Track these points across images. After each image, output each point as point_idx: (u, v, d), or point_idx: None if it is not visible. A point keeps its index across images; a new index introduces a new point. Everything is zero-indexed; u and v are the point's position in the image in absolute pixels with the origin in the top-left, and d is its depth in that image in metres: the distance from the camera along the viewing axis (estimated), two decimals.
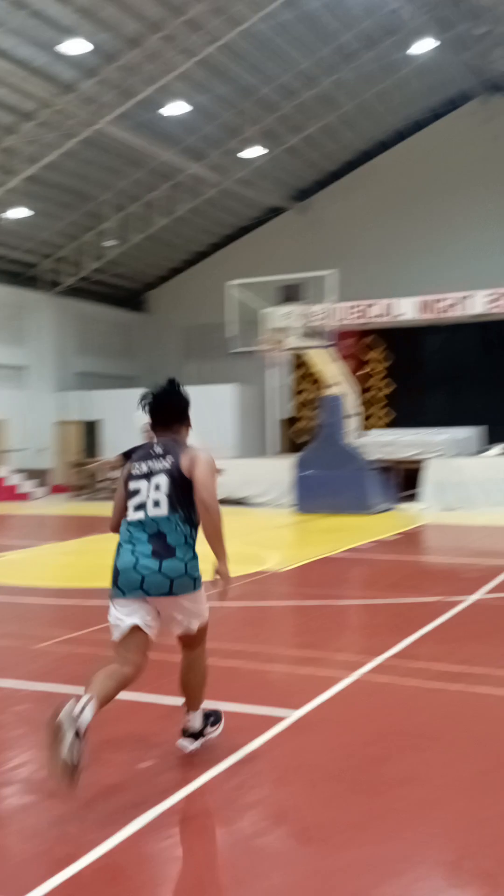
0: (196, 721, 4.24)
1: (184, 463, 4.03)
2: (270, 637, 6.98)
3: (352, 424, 18.85)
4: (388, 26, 21.28)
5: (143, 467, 4.12)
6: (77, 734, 3.47)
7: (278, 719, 4.67)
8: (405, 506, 17.95)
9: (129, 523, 4.07)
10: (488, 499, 17.26)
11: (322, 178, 28.29)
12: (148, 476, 4.07)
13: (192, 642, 4.17)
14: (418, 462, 18.44)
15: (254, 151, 23.95)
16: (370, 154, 27.63)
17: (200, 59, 19.90)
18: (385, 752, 4.28)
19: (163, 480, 4.03)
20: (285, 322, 17.19)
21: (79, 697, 3.61)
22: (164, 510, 4.01)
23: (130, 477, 4.14)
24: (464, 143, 25.66)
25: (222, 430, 24.56)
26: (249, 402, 26.40)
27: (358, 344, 24.61)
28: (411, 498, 18.26)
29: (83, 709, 3.56)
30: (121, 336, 31.09)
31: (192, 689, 4.20)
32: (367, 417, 24.22)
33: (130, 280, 31.26)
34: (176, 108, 20.78)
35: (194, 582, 4.03)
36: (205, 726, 4.26)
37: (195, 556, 4.05)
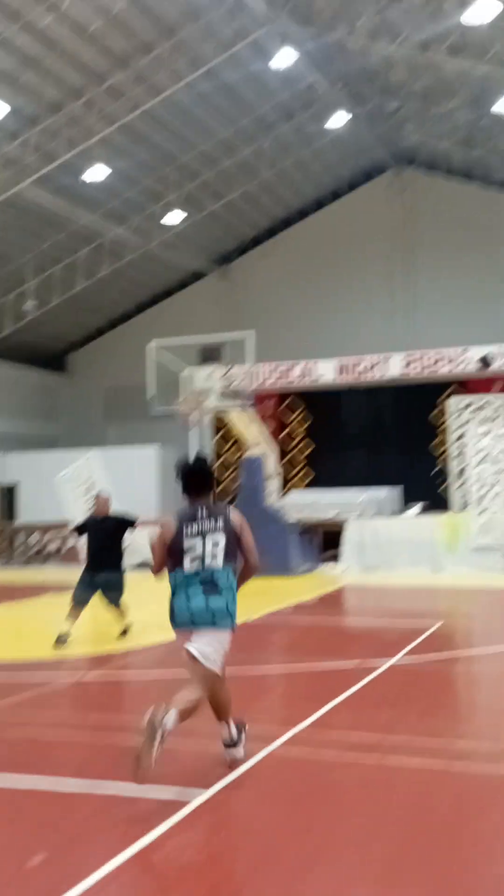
0: (229, 731, 5.08)
1: (235, 522, 5.03)
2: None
3: (272, 486, 18.82)
4: (305, 99, 22.02)
5: (195, 528, 4.96)
6: (161, 737, 4.38)
7: (182, 804, 4.39)
8: (326, 567, 17.89)
9: (186, 574, 4.93)
10: (407, 559, 17.32)
11: (243, 243, 28.77)
12: (203, 535, 4.93)
13: (198, 669, 4.96)
14: (338, 523, 18.47)
15: (176, 216, 24.23)
16: (289, 221, 28.29)
17: (122, 125, 20.16)
18: (296, 836, 4.05)
19: (220, 538, 4.95)
20: (205, 383, 17.19)
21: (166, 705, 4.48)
22: (219, 562, 4.93)
23: (184, 535, 4.94)
24: (378, 212, 26.52)
25: (144, 492, 24.20)
26: (171, 464, 26.12)
27: (278, 405, 24.78)
28: (332, 559, 18.22)
29: (167, 715, 4.44)
30: (42, 397, 30.62)
31: (220, 704, 5.06)
32: (288, 478, 24.28)
33: (52, 341, 30.96)
34: (97, 173, 20.90)
35: (231, 619, 4.99)
36: (239, 734, 5.11)
37: (235, 600, 5.02)
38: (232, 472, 23.00)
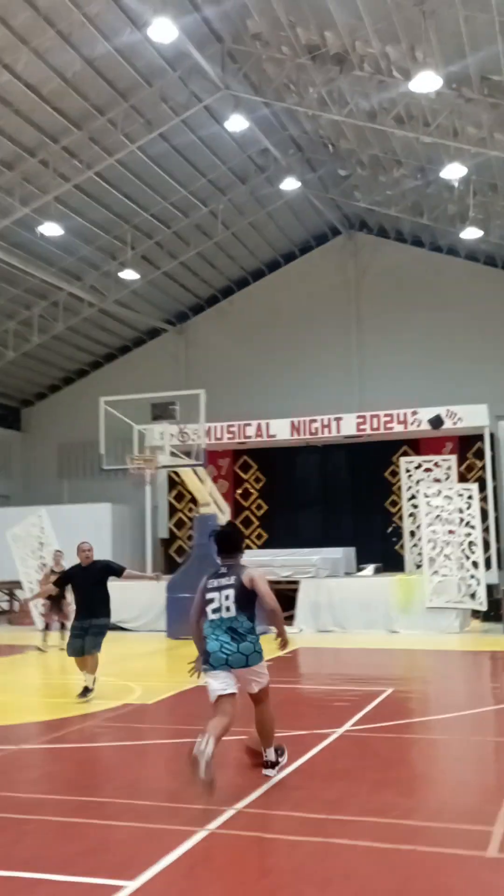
0: (272, 755, 6.20)
1: (245, 580, 6.03)
2: (121, 784, 6.34)
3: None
4: (259, 163, 22.46)
5: (215, 583, 6.08)
6: (207, 762, 5.34)
7: (114, 889, 4.11)
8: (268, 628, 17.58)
9: (210, 621, 6.02)
10: (361, 620, 17.15)
11: (199, 302, 28.99)
12: (219, 589, 6.04)
13: (261, 698, 6.23)
14: (293, 583, 18.25)
15: (131, 274, 24.35)
16: (244, 281, 28.61)
17: (77, 185, 20.32)
18: None
19: (231, 592, 5.99)
20: (157, 440, 17.03)
21: (204, 735, 5.49)
22: (233, 612, 5.99)
23: (207, 590, 6.08)
24: (331, 275, 26.98)
25: (97, 549, 23.73)
26: (126, 522, 25.79)
27: (233, 464, 24.69)
28: (286, 620, 17.93)
29: (206, 744, 5.43)
30: None
31: (265, 732, 6.21)
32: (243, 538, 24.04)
33: (6, 397, 30.65)
34: (52, 230, 20.95)
35: (260, 655, 6.09)
36: (277, 757, 6.24)
37: (258, 639, 6.07)
38: (189, 530, 22.70)
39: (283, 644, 6.20)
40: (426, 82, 14.14)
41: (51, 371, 30.19)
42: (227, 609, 5.98)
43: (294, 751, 6.91)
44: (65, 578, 10.45)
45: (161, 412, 15.26)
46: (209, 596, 6.06)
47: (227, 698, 5.88)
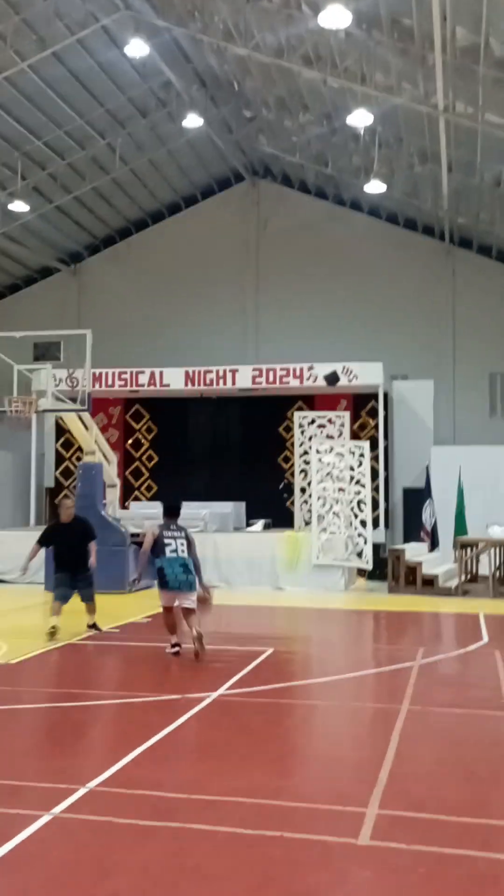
0: (198, 633, 9.14)
1: (190, 536, 9.53)
2: None
3: (112, 495, 17.85)
4: (161, 97, 21.31)
5: (169, 534, 9.33)
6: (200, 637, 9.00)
7: None
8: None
9: (168, 558, 9.24)
10: (248, 577, 16.82)
11: (94, 242, 27.67)
12: (174, 538, 9.31)
13: (191, 612, 9.29)
14: None
15: (21, 206, 22.88)
16: (143, 223, 27.45)
17: None
18: None
19: (183, 542, 9.36)
20: (42, 384, 16.05)
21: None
22: (185, 554, 9.32)
23: (164, 537, 9.29)
24: (232, 222, 26.15)
25: None
26: (9, 470, 24.62)
27: (124, 413, 23.83)
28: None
29: (197, 630, 9.07)
30: None
31: (191, 625, 9.21)
32: (132, 489, 23.35)
33: None
34: None
35: (194, 585, 9.36)
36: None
37: (196, 575, 9.40)
38: (73, 479, 21.80)
39: (206, 592, 10.30)
40: (335, 17, 13.43)
41: None
42: (182, 552, 9.30)
43: (160, 720, 6.42)
44: (50, 535, 11.03)
45: (44, 352, 14.30)
46: (167, 541, 9.26)
47: (173, 611, 9.46)
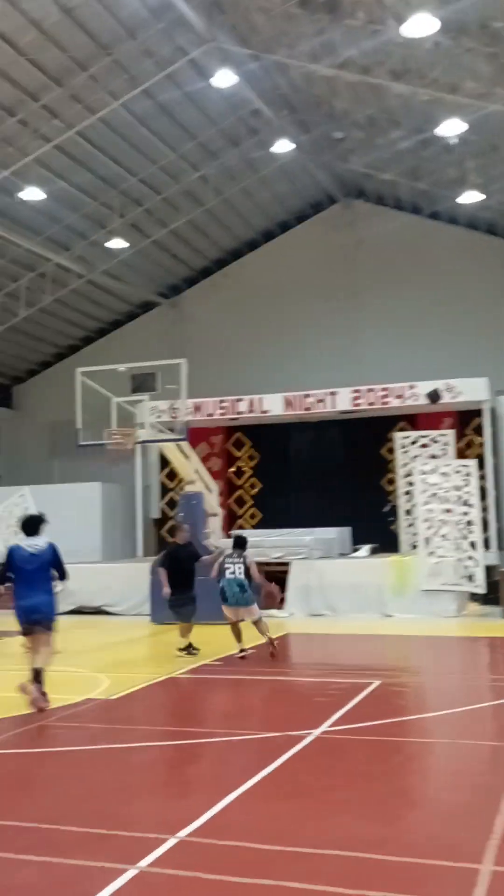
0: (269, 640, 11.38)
1: (247, 561, 11.35)
2: (48, 804, 5.44)
3: (213, 524, 17.77)
4: (250, 126, 21.40)
5: (231, 560, 11.31)
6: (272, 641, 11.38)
7: None
8: (270, 612, 16.82)
9: (227, 579, 11.24)
10: (354, 604, 16.33)
11: (191, 274, 28.00)
12: (234, 562, 11.28)
13: (258, 625, 11.34)
14: (284, 565, 17.43)
15: (120, 243, 23.37)
16: (238, 252, 27.60)
17: (59, 147, 19.33)
18: None
19: (240, 565, 11.29)
20: (145, 415, 16.16)
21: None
22: (241, 575, 11.22)
23: (225, 562, 11.35)
24: (327, 244, 25.93)
25: (87, 528, 22.97)
26: (117, 502, 24.97)
27: (225, 441, 23.82)
28: (278, 603, 17.16)
29: (268, 636, 11.42)
30: None
31: (263, 633, 11.34)
32: (237, 517, 23.25)
33: None
34: (33, 194, 19.97)
35: (251, 600, 11.29)
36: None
37: (252, 592, 11.32)
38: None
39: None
40: (422, 25, 13.08)
41: (41, 347, 29.29)
42: (239, 573, 11.20)
43: (258, 760, 6.12)
44: (170, 556, 12.14)
45: (141, 384, 14.37)
46: (227, 565, 11.29)
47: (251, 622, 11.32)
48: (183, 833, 4.69)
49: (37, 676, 8.21)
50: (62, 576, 8.56)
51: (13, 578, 8.41)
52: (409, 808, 5.47)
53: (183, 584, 11.80)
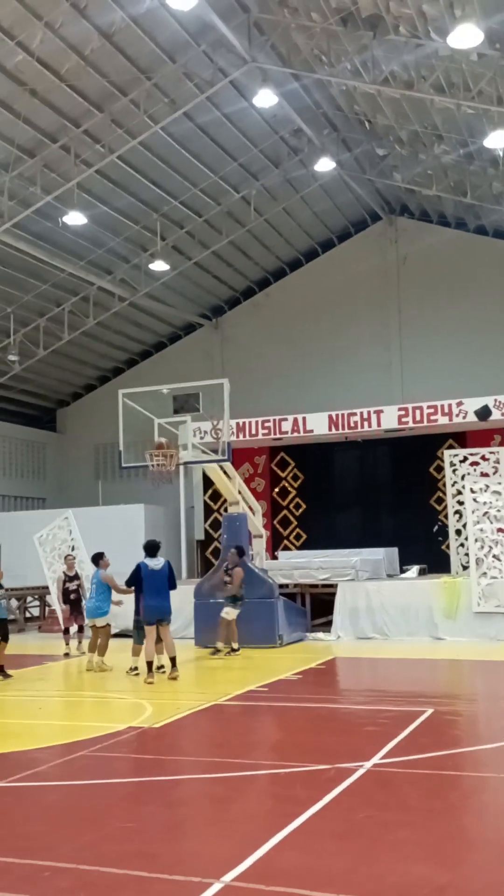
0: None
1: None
2: (88, 842, 5.17)
3: (258, 545, 17.50)
4: (292, 145, 21.36)
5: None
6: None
7: None
8: (317, 636, 16.47)
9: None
10: (404, 627, 15.90)
11: (234, 294, 27.99)
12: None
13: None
14: (330, 586, 17.07)
15: (162, 266, 23.43)
16: (281, 272, 27.53)
17: (100, 171, 19.46)
18: None
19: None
20: (189, 436, 15.99)
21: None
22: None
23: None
24: (371, 262, 25.76)
25: (131, 551, 22.84)
26: (160, 523, 24.87)
27: (269, 461, 23.59)
28: (324, 627, 16.81)
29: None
30: (30, 455, 29.55)
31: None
32: (280, 538, 22.97)
33: (40, 398, 30.06)
34: (76, 219, 20.10)
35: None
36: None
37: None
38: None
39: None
40: (466, 37, 12.85)
41: (85, 370, 29.49)
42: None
43: (307, 795, 5.82)
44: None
45: (183, 405, 14.22)
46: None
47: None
48: (228, 877, 4.41)
49: (173, 662, 11.63)
50: (173, 586, 11.90)
51: (140, 587, 11.77)
52: (469, 850, 5.12)
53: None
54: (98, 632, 12.97)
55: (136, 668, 12.01)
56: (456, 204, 23.21)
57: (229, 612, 14.33)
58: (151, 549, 11.94)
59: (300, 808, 5.55)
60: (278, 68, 17.44)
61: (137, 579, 11.70)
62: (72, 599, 14.87)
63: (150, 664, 11.39)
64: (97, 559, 13.40)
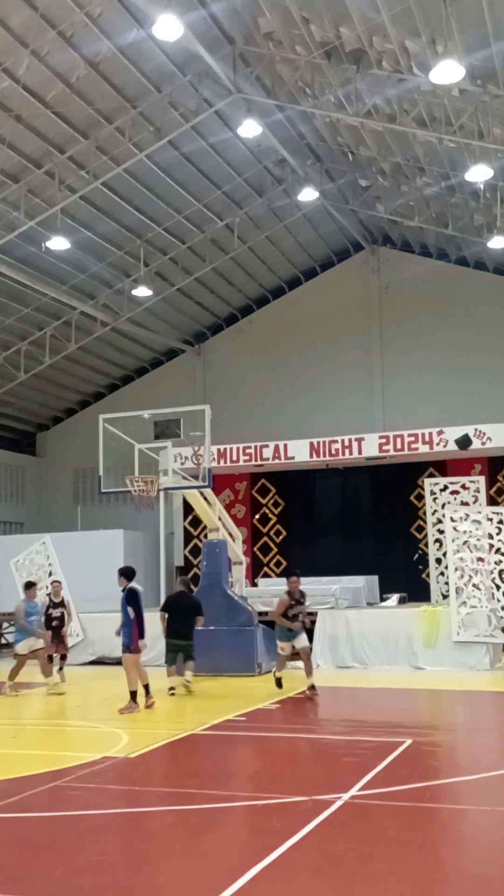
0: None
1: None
2: (62, 875, 5.07)
3: (238, 573, 17.41)
4: (276, 175, 21.56)
5: (297, 602, 12.95)
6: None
7: None
8: (296, 664, 16.34)
9: (290, 616, 12.80)
10: (383, 655, 15.83)
11: (217, 321, 28.08)
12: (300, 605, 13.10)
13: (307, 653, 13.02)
14: (311, 614, 16.98)
15: (145, 291, 23.48)
16: (264, 299, 27.68)
17: (84, 198, 19.53)
18: None
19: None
20: (168, 462, 15.95)
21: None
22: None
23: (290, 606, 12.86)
24: (353, 291, 25.96)
25: (109, 576, 22.65)
26: (140, 549, 24.70)
27: (250, 488, 23.56)
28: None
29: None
30: (8, 479, 29.32)
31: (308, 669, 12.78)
32: (261, 565, 22.88)
33: (20, 421, 29.90)
34: (59, 244, 20.13)
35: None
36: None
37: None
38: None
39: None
40: (448, 72, 13.08)
41: (66, 394, 29.39)
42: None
43: (284, 827, 5.74)
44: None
45: (164, 430, 14.20)
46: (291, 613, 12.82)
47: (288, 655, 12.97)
48: None
49: (146, 689, 11.71)
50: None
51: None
52: (447, 883, 5.07)
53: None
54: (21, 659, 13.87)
55: (173, 688, 13.03)
56: (438, 235, 23.49)
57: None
58: (130, 573, 12.14)
59: (278, 839, 5.48)
60: (263, 99, 17.64)
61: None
62: (54, 626, 14.63)
63: (135, 693, 11.51)
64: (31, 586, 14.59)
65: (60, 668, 14.73)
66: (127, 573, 12.08)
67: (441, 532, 17.84)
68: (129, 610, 11.64)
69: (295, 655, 12.96)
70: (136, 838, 5.84)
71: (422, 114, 16.48)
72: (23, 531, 27.65)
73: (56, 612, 14.81)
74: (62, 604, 15.13)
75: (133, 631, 11.58)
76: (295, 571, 13.63)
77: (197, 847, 5.72)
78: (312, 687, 12.56)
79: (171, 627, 13.79)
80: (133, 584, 11.86)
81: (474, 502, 17.92)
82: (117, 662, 17.20)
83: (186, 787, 7.44)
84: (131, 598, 11.65)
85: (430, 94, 15.70)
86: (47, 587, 17.81)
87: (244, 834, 5.97)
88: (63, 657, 14.94)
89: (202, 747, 9.17)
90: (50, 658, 15.22)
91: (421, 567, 20.23)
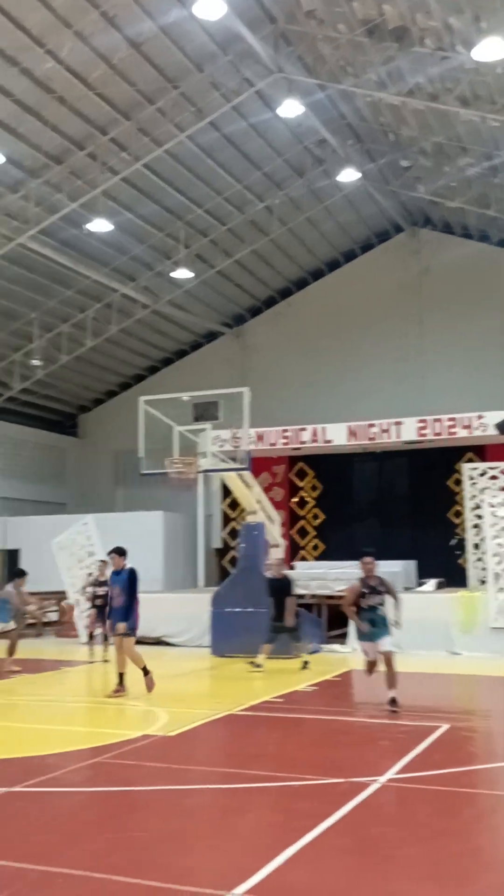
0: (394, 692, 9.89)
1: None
2: (101, 850, 5.17)
3: (276, 555, 17.45)
4: (316, 155, 21.39)
5: (373, 590, 10.21)
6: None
7: None
8: (333, 647, 16.40)
9: (366, 608, 10.15)
10: (420, 640, 15.78)
11: (256, 303, 28.03)
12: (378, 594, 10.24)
13: (390, 659, 10.09)
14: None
15: (185, 273, 23.52)
16: (304, 281, 27.55)
17: (126, 179, 19.58)
18: None
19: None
20: (207, 444, 16.03)
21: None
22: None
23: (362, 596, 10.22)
24: (393, 273, 25.72)
25: (150, 557, 22.91)
26: (179, 531, 24.92)
27: (288, 471, 23.58)
28: (340, 638, 16.73)
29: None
30: (50, 460, 29.69)
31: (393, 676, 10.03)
32: (298, 548, 22.93)
33: (62, 403, 30.22)
34: (101, 226, 20.23)
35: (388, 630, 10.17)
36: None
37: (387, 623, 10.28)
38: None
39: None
40: (491, 49, 12.84)
41: (107, 376, 29.62)
42: (381, 605, 10.29)
43: (319, 809, 5.79)
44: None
45: (203, 413, 14.26)
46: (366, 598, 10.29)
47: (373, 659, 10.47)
48: (238, 891, 4.40)
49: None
50: None
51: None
52: (484, 868, 5.07)
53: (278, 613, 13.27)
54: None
55: (259, 665, 12.98)
56: (479, 216, 23.15)
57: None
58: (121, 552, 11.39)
59: (312, 822, 5.53)
60: (304, 79, 17.49)
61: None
62: (98, 605, 14.80)
63: (146, 668, 11.01)
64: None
65: (105, 649, 14.94)
66: (125, 553, 11.32)
67: (479, 517, 17.71)
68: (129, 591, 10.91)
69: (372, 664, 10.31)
70: (174, 816, 5.94)
71: (464, 92, 16.23)
72: (64, 512, 28.02)
73: (101, 591, 15.03)
74: (107, 583, 15.35)
75: (136, 613, 10.98)
76: (369, 550, 10.70)
77: (233, 827, 5.80)
78: (394, 701, 9.74)
79: (277, 612, 13.34)
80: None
81: None
82: (157, 642, 17.50)
83: (224, 766, 7.54)
84: (135, 580, 10.96)
85: (473, 71, 15.44)
86: (88, 567, 18.07)
87: (279, 815, 6.02)
88: (106, 637, 15.16)
89: (240, 728, 9.27)
90: (91, 636, 15.43)
91: (458, 552, 20.12)
